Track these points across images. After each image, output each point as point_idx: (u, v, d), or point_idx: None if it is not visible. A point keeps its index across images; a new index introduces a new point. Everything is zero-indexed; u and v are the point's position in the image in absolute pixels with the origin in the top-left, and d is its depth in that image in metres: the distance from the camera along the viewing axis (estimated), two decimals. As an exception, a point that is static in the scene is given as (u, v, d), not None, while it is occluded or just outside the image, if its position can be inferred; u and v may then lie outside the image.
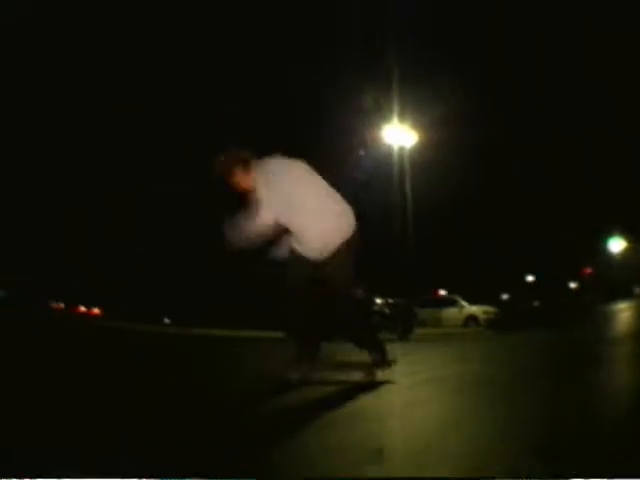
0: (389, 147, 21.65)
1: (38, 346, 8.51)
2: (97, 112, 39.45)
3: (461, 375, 4.86)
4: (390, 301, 17.13)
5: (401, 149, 21.19)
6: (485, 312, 25.48)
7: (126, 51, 39.80)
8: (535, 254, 45.41)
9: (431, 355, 8.05)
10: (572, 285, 50.36)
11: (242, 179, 4.15)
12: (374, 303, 17.02)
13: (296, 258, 4.29)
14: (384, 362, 4.48)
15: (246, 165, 4.16)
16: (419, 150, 22.28)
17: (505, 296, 44.03)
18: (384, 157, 22.33)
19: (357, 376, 4.46)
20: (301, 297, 4.26)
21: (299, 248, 4.26)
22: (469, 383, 4.31)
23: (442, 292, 31.47)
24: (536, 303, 27.57)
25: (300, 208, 4.14)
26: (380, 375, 4.39)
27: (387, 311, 16.59)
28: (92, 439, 2.49)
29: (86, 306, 48.46)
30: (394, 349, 10.19)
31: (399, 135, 21.18)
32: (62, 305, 46.34)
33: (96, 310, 47.81)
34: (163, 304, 40.05)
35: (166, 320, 39.02)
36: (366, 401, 3.65)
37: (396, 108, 21.28)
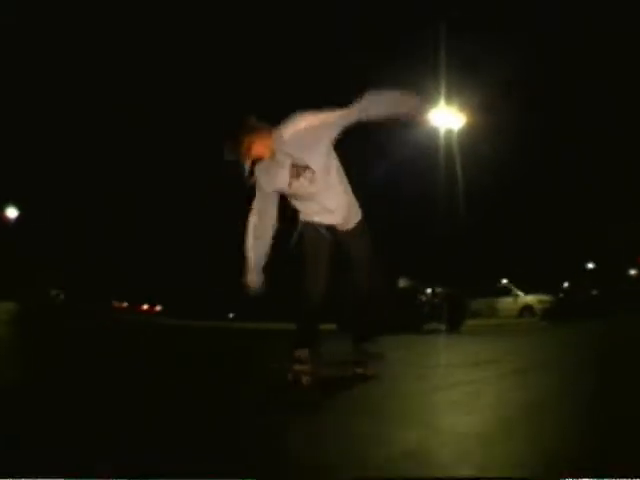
0: (435, 130, 20.93)
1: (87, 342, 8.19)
2: (97, 112, 39.45)
3: (486, 379, 4.16)
4: (438, 290, 16.25)
5: (448, 132, 20.49)
6: (540, 301, 24.29)
7: (126, 51, 39.80)
8: (594, 240, 43.61)
9: (469, 350, 7.39)
10: (632, 272, 48.24)
11: (256, 146, 3.73)
12: (422, 293, 16.19)
13: (314, 232, 4.05)
14: (377, 355, 4.34)
15: (258, 131, 3.75)
16: (466, 132, 21.49)
17: (566, 284, 42.37)
18: (428, 140, 21.60)
19: (354, 370, 4.30)
20: (321, 272, 4.02)
21: (319, 216, 4.03)
22: (493, 394, 3.60)
23: (504, 281, 30.34)
24: (594, 292, 26.16)
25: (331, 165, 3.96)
26: (375, 369, 4.26)
27: (436, 301, 15.74)
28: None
29: (149, 304, 49.52)
30: (435, 341, 9.61)
31: (446, 118, 20.48)
32: (125, 304, 47.49)
33: (157, 307, 48.82)
34: (227, 300, 40.25)
35: (230, 315, 39.32)
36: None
37: (443, 90, 20.57)
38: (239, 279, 4.12)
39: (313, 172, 3.86)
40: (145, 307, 49.78)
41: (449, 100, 20.48)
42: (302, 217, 4.11)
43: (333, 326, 4.04)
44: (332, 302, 4.26)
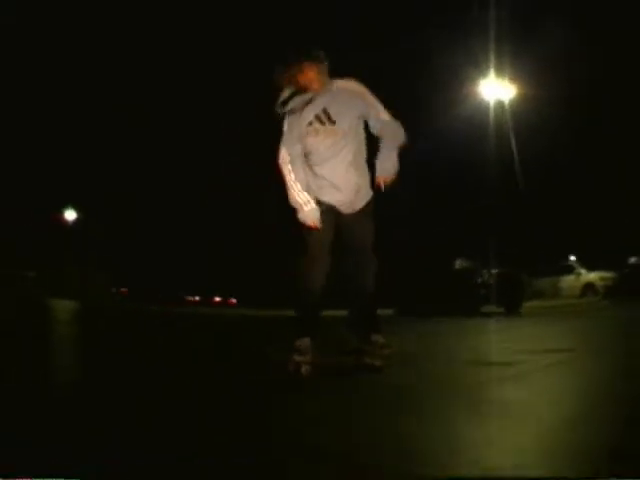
0: (485, 102, 20.12)
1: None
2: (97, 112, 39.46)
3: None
4: (495, 271, 15.44)
5: (498, 103, 19.66)
6: (602, 278, 22.99)
7: (126, 51, 39.58)
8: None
9: (516, 337, 6.82)
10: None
11: (311, 74, 3.83)
12: (479, 274, 15.43)
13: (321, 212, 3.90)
14: (386, 346, 4.04)
15: (320, 63, 3.86)
16: (518, 103, 20.58)
17: (633, 259, 40.09)
18: (476, 112, 20.77)
19: (364, 360, 3.99)
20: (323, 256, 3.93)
21: (326, 193, 3.93)
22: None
23: (571, 258, 29.00)
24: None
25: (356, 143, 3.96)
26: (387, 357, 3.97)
27: (493, 282, 14.94)
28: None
29: (222, 297, 49.84)
30: (485, 326, 9.00)
31: (496, 89, 19.66)
32: (197, 298, 48.14)
33: (232, 299, 49.08)
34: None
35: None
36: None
37: (493, 61, 19.73)
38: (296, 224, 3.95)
39: (335, 129, 3.86)
40: (218, 299, 50.19)
41: (500, 71, 19.72)
42: (310, 194, 3.95)
43: (340, 313, 3.92)
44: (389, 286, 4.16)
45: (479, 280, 15.14)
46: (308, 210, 3.83)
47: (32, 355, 4.85)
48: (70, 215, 39.00)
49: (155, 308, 19.51)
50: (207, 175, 41.39)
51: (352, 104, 3.90)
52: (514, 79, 20.25)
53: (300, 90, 3.87)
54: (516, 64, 20.78)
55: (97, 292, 27.00)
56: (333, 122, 3.85)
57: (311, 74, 3.81)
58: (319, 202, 3.90)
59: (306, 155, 3.92)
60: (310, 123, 3.86)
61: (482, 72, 20.02)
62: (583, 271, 24.05)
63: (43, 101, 36.52)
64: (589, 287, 22.99)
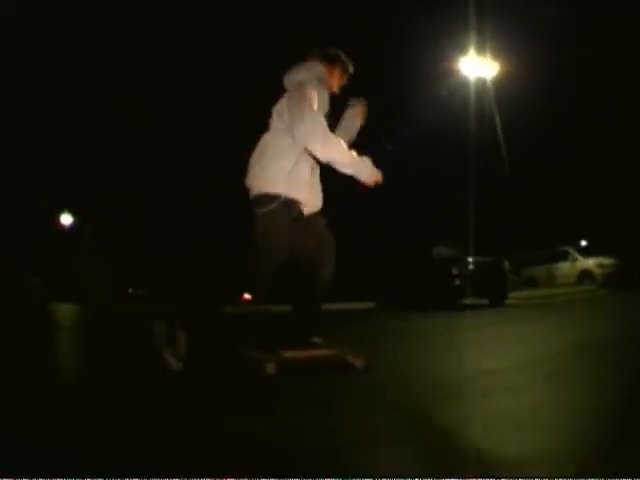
0: (465, 80, 19.15)
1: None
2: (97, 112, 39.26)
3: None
4: (477, 259, 14.25)
5: (480, 81, 18.70)
6: (600, 265, 21.19)
7: (126, 51, 39.32)
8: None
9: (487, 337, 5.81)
10: None
11: (338, 77, 3.93)
12: (460, 263, 14.23)
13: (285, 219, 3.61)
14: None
15: (344, 74, 3.96)
16: (502, 81, 19.62)
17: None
18: (457, 91, 19.81)
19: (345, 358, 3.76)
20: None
21: (304, 193, 3.68)
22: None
23: (583, 243, 27.88)
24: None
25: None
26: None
27: (473, 271, 13.79)
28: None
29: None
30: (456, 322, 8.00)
31: (477, 67, 18.71)
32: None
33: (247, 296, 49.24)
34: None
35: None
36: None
37: (473, 37, 18.81)
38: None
39: None
40: (247, 297, 50.36)
41: (480, 47, 18.81)
42: (285, 192, 3.59)
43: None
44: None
45: (454, 271, 14.02)
46: (367, 162, 3.58)
47: (32, 360, 4.67)
48: (66, 220, 39.41)
49: (164, 308, 18.86)
50: (207, 175, 41.29)
51: None
52: (497, 56, 19.37)
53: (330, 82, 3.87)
54: (499, 40, 19.89)
55: (104, 296, 26.86)
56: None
57: (338, 78, 3.92)
58: (294, 201, 3.63)
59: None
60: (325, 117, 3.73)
61: (462, 48, 19.17)
62: (579, 257, 22.60)
63: (40, 103, 36.36)
64: (586, 274, 21.48)
